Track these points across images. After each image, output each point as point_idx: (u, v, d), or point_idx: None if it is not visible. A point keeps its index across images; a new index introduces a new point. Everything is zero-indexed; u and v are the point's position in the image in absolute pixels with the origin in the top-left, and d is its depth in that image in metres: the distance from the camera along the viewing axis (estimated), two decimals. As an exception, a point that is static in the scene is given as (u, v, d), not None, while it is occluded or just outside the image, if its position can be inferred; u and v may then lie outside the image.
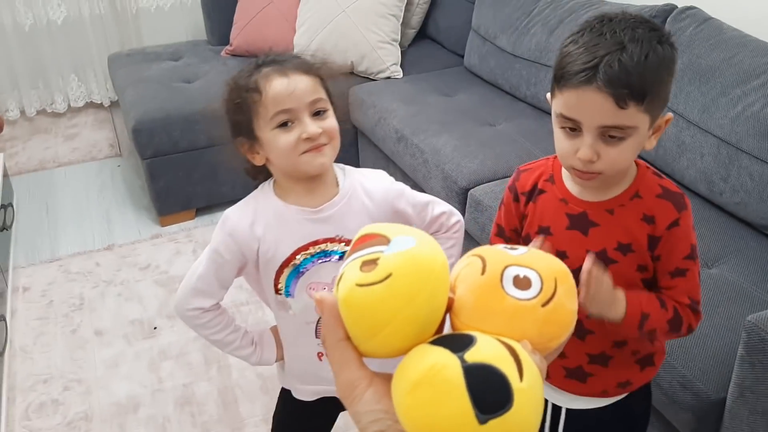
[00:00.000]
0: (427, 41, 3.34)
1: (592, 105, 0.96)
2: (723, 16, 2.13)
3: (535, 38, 2.61)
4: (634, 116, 0.97)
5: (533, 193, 1.18)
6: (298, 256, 1.22)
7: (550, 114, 2.80)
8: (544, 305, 0.50)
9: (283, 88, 1.13)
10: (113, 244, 2.79)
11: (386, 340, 0.49)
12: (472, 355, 0.45)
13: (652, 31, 0.97)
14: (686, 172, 2.03)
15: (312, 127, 1.14)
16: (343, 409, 1.42)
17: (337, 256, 1.23)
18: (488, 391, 0.44)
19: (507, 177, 2.22)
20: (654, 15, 2.22)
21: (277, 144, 1.14)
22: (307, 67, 1.17)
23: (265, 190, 1.25)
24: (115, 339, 2.29)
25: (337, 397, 0.52)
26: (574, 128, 1.01)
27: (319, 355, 1.31)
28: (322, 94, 1.18)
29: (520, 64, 2.69)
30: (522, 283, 0.51)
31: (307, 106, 1.14)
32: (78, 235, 2.87)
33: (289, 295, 1.25)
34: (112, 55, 3.35)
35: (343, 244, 1.23)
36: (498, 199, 2.12)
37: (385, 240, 0.51)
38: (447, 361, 0.45)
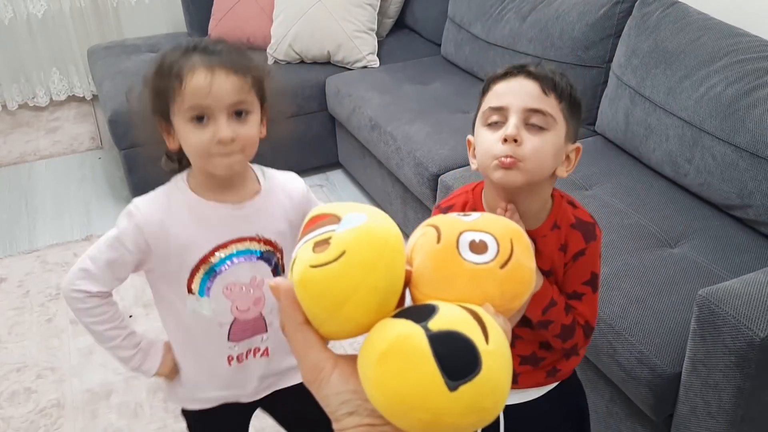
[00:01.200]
0: (404, 31, 3.35)
1: (519, 88, 1.05)
2: (689, 0, 2.14)
3: (508, 25, 2.62)
4: (555, 109, 1.04)
5: None
6: (215, 255, 1.18)
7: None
8: (502, 266, 0.50)
9: (204, 83, 1.07)
10: (92, 235, 2.79)
11: (348, 317, 0.48)
12: (436, 323, 0.45)
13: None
14: (653, 155, 2.04)
15: (225, 130, 1.08)
16: (250, 413, 1.40)
17: (256, 256, 1.21)
18: (455, 357, 0.44)
19: (478, 162, 2.24)
20: (621, 0, 2.24)
21: (188, 139, 1.10)
22: (238, 65, 1.10)
23: (179, 184, 1.20)
24: (91, 328, 2.30)
25: (305, 383, 0.51)
26: (498, 121, 1.06)
27: (229, 359, 1.26)
28: (248, 96, 1.11)
29: (494, 51, 2.70)
30: (478, 247, 0.51)
31: (227, 106, 1.09)
32: (57, 227, 2.87)
33: (204, 295, 1.20)
34: (92, 48, 3.35)
35: (262, 243, 1.21)
36: (469, 182, 2.13)
37: (335, 219, 0.50)
38: (411, 331, 0.45)
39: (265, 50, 3.04)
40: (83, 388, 2.07)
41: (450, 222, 0.53)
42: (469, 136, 1.15)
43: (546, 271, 1.13)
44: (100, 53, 3.22)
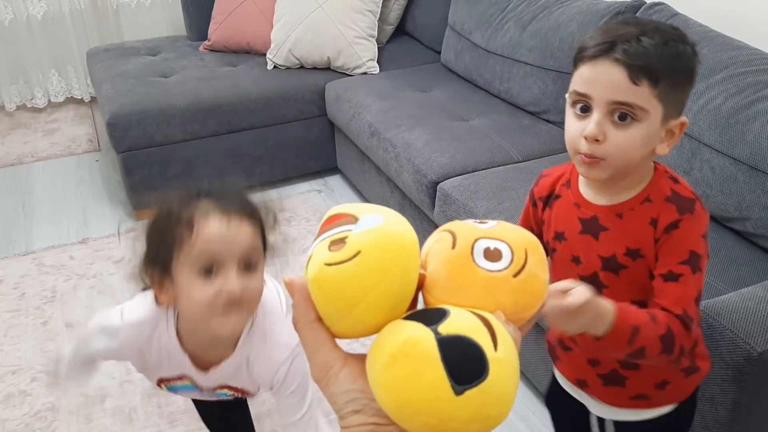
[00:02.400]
0: (405, 37, 3.35)
1: (605, 77, 0.97)
2: (690, 12, 2.15)
3: (508, 34, 2.63)
4: (647, 98, 0.96)
5: (550, 198, 1.17)
6: (171, 382, 1.25)
7: (522, 109, 2.79)
8: (515, 275, 0.50)
9: (220, 231, 1.00)
10: (88, 237, 2.79)
11: (360, 317, 0.48)
12: (446, 328, 0.45)
13: (676, 30, 1.00)
14: (652, 166, 2.04)
15: (235, 284, 1.01)
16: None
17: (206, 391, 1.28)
18: (463, 361, 0.44)
19: (476, 171, 2.24)
20: (623, 10, 2.24)
21: (191, 294, 1.02)
22: (251, 209, 1.05)
23: (170, 321, 1.16)
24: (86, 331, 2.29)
25: (313, 380, 0.52)
26: (585, 108, 1.00)
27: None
28: (259, 243, 1.05)
29: (494, 59, 2.70)
30: (493, 255, 0.51)
31: (240, 256, 1.02)
32: (53, 229, 2.87)
33: (173, 392, 1.31)
34: (91, 50, 3.35)
35: (216, 389, 1.27)
36: (466, 192, 2.14)
37: (353, 219, 0.50)
38: (421, 334, 0.45)
39: (265, 55, 3.04)
40: (78, 392, 2.06)
41: (466, 229, 0.53)
42: (567, 94, 1.07)
43: (634, 249, 1.06)
44: (99, 55, 3.22)
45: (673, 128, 1.02)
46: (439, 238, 0.53)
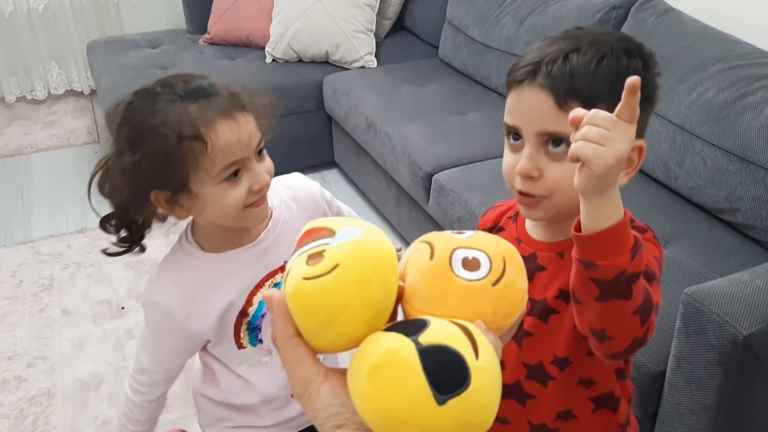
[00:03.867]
0: (403, 32, 3.37)
1: (530, 105, 0.85)
2: (684, 7, 2.17)
3: (506, 29, 2.65)
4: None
5: (492, 230, 1.05)
6: (252, 303, 1.09)
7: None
8: (494, 284, 0.50)
9: (233, 136, 0.95)
10: (86, 227, 2.80)
11: (341, 330, 0.48)
12: (426, 338, 0.45)
13: (624, 41, 0.87)
14: (644, 159, 2.06)
15: (264, 176, 0.99)
16: None
17: None
18: (445, 371, 0.44)
19: (471, 163, 2.26)
20: (618, 5, 2.26)
21: (223, 201, 0.98)
22: (238, 100, 0.98)
23: (186, 248, 1.08)
24: (83, 319, 2.31)
25: (293, 395, 0.51)
26: (517, 137, 0.88)
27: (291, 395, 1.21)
28: (260, 131, 1.02)
29: (491, 54, 2.72)
30: (471, 264, 0.51)
31: (254, 150, 0.99)
32: (52, 219, 2.88)
33: (257, 343, 1.14)
34: (91, 42, 3.37)
35: None
36: (461, 184, 2.15)
37: (330, 233, 0.50)
38: (401, 344, 0.45)
39: (264, 48, 3.06)
40: (74, 378, 2.08)
41: (443, 239, 0.53)
42: None
43: (566, 291, 0.93)
44: (99, 48, 3.24)
45: (631, 155, 0.85)
46: (417, 249, 0.53)
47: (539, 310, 0.94)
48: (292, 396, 0.52)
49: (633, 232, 0.78)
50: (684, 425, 1.41)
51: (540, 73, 0.84)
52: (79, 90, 3.86)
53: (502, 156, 2.40)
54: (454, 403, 0.43)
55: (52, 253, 2.65)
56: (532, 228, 0.99)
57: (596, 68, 0.83)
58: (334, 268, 0.47)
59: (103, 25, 3.73)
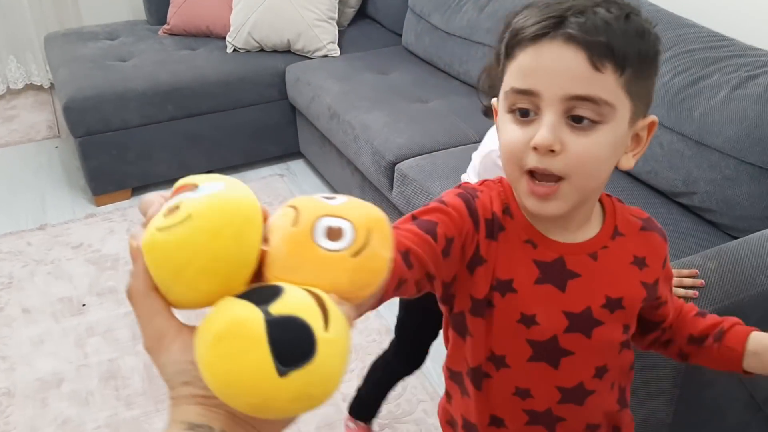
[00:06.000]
0: (366, 21, 3.35)
1: (556, 63, 0.71)
2: (642, -8, 2.17)
3: (466, 16, 2.64)
4: (613, 90, 0.71)
5: (493, 226, 0.83)
6: None
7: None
8: (354, 255, 0.49)
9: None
10: (46, 224, 2.75)
11: (189, 284, 0.48)
12: (277, 307, 0.45)
13: (630, 5, 0.76)
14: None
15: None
16: None
17: None
18: (290, 343, 0.44)
19: (434, 152, 2.26)
20: (576, -9, 2.26)
21: None
22: None
23: None
24: (43, 316, 2.27)
25: (144, 349, 0.51)
26: (527, 111, 0.74)
27: None
28: None
29: (452, 41, 2.71)
30: (335, 233, 0.50)
31: None
32: (11, 216, 2.82)
33: None
34: (49, 35, 3.29)
35: None
36: (423, 172, 2.14)
37: (193, 187, 0.50)
38: (248, 315, 0.45)
39: (225, 38, 3.02)
40: (34, 377, 2.05)
41: (311, 205, 0.51)
42: (494, 101, 0.83)
43: (616, 299, 0.83)
44: (57, 40, 3.17)
45: (640, 131, 0.78)
46: (282, 213, 0.52)
47: (581, 324, 0.83)
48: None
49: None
50: (642, 409, 1.43)
51: (568, 24, 0.70)
52: (39, 84, 3.79)
53: (464, 144, 2.37)
54: (296, 375, 0.43)
55: (11, 250, 2.60)
56: (542, 226, 0.82)
57: (626, 25, 0.72)
58: (185, 219, 0.46)
59: (61, 16, 3.66)
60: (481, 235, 0.81)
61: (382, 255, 0.51)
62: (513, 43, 0.74)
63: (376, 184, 2.39)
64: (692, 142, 1.79)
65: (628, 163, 0.79)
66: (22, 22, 3.60)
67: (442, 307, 0.91)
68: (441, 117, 2.45)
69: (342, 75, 2.78)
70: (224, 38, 3.03)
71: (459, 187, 0.86)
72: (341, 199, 0.52)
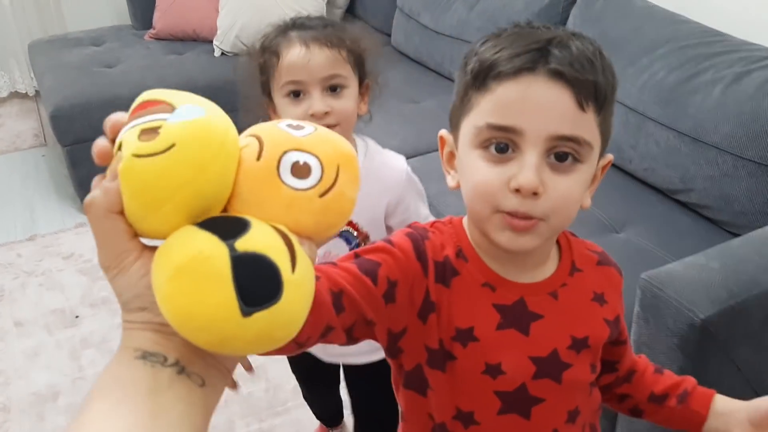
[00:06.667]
0: (354, 21, 3.33)
1: (541, 101, 0.67)
2: (633, -12, 2.17)
3: (456, 14, 2.62)
4: (592, 129, 0.68)
5: (445, 270, 0.77)
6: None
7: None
8: (322, 195, 0.47)
9: (299, 58, 1.09)
10: (36, 234, 2.72)
11: (167, 217, 0.45)
12: (244, 244, 0.43)
13: (592, 39, 0.73)
14: (599, 142, 2.07)
15: (318, 104, 1.10)
16: (335, 377, 1.51)
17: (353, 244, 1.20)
18: (257, 282, 0.42)
19: (428, 153, 2.24)
20: (567, -12, 2.26)
21: (284, 114, 1.12)
22: (332, 38, 1.11)
23: None
24: (36, 329, 2.24)
25: (100, 267, 0.48)
26: (504, 147, 0.69)
27: None
28: (343, 70, 1.12)
29: (442, 40, 2.70)
30: (301, 170, 0.47)
31: (321, 81, 1.10)
32: (0, 227, 2.79)
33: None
34: (33, 42, 3.25)
35: (350, 228, 1.21)
36: (417, 174, 2.12)
37: (169, 107, 0.45)
38: (214, 250, 0.42)
39: (212, 42, 2.99)
40: (29, 391, 2.02)
41: (276, 136, 0.48)
42: (443, 132, 0.81)
43: (581, 339, 0.79)
44: (41, 47, 3.13)
45: (596, 170, 0.75)
46: (246, 144, 0.48)
47: (549, 368, 0.78)
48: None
49: None
50: (646, 409, 1.42)
51: (551, 60, 0.66)
52: (24, 92, 3.72)
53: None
54: (260, 316, 0.42)
55: (1, 263, 2.56)
56: (498, 266, 0.78)
57: (602, 62, 0.69)
58: (169, 148, 0.43)
59: (44, 23, 3.60)
60: (430, 279, 0.76)
61: (348, 195, 0.49)
62: (487, 74, 0.69)
63: (370, 187, 2.37)
64: (689, 139, 1.79)
65: (586, 201, 0.76)
66: (5, 29, 3.54)
67: (390, 362, 0.84)
68: (434, 117, 2.44)
69: (332, 77, 2.76)
70: (211, 42, 3.00)
71: (409, 226, 0.81)
72: (308, 129, 0.49)
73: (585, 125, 0.68)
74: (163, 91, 0.47)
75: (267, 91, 1.17)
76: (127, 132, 0.45)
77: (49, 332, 2.23)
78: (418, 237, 0.78)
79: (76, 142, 2.66)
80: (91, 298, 2.36)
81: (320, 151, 0.48)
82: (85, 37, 3.19)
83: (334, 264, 0.73)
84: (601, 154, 0.74)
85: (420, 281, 0.76)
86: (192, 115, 0.45)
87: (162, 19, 3.09)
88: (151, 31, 3.14)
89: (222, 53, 2.97)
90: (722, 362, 1.33)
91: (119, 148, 0.45)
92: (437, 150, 2.41)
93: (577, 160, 0.69)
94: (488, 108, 0.69)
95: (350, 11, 3.31)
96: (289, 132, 0.48)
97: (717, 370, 1.34)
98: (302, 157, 0.47)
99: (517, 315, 0.77)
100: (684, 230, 1.78)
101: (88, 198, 0.47)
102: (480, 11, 2.52)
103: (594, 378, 0.84)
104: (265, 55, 1.14)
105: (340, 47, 1.11)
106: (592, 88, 0.67)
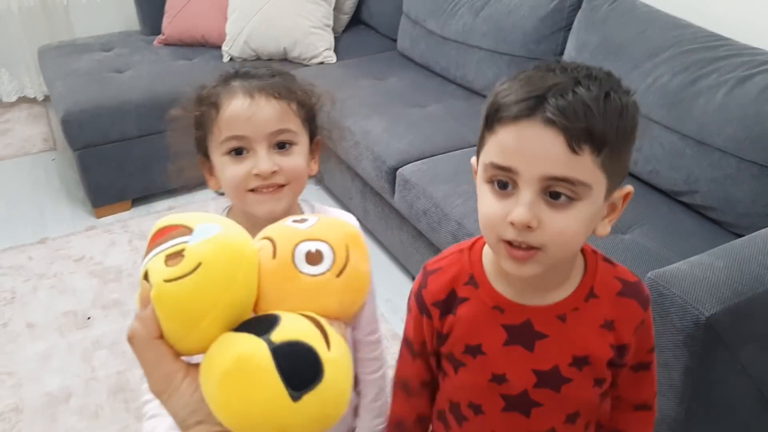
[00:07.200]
0: (361, 27, 3.37)
1: (535, 145, 0.73)
2: (636, -7, 2.20)
3: (462, 20, 2.65)
4: (589, 170, 0.73)
5: (451, 302, 0.91)
6: None
7: (478, 94, 2.80)
8: (338, 275, 0.50)
9: (242, 110, 0.95)
10: (47, 237, 2.75)
11: (205, 332, 0.47)
12: (279, 335, 0.45)
13: (610, 77, 0.79)
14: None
15: (265, 162, 0.95)
16: None
17: None
18: (298, 367, 0.44)
19: (435, 156, 2.27)
20: (571, -7, 2.29)
21: (224, 174, 0.98)
22: (281, 89, 0.97)
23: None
24: (48, 331, 2.27)
25: (152, 393, 0.50)
26: (506, 183, 0.76)
27: None
28: (292, 125, 0.98)
29: (448, 46, 2.73)
30: (314, 257, 0.50)
31: (267, 136, 0.96)
32: (10, 231, 2.81)
33: None
34: (42, 47, 3.29)
35: None
36: (425, 177, 2.16)
37: (187, 230, 0.48)
38: (253, 347, 0.44)
39: (221, 48, 3.03)
40: (42, 392, 2.04)
41: (285, 233, 0.51)
42: (473, 159, 0.86)
43: (582, 357, 0.87)
44: (51, 53, 3.16)
45: (616, 200, 0.81)
46: (260, 247, 0.51)
47: (550, 380, 0.87)
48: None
49: None
50: (653, 406, 1.44)
51: (547, 106, 0.72)
52: (32, 96, 3.78)
53: (464, 147, 2.39)
54: (309, 397, 0.44)
55: (12, 265, 2.59)
56: (510, 291, 0.87)
57: (605, 105, 0.73)
58: (196, 268, 0.46)
59: (53, 29, 3.65)
60: (435, 320, 0.92)
61: (363, 270, 0.52)
62: (494, 118, 0.77)
63: (378, 190, 2.40)
64: (693, 142, 1.81)
65: (604, 229, 0.81)
66: (13, 35, 3.59)
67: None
68: (440, 121, 2.47)
69: (339, 81, 2.79)
70: (220, 47, 3.03)
71: (424, 268, 0.95)
72: (312, 221, 0.53)
73: (580, 167, 0.73)
74: (176, 215, 0.50)
75: (203, 149, 1.01)
76: (151, 260, 0.48)
77: (61, 334, 2.26)
78: (418, 293, 0.94)
79: (87, 146, 2.70)
80: (102, 300, 2.39)
81: (328, 236, 0.51)
82: (95, 43, 3.22)
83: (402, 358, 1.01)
84: (615, 188, 0.79)
85: (429, 327, 0.93)
86: (210, 233, 0.47)
87: (171, 25, 3.12)
88: (160, 36, 3.18)
89: (231, 59, 3.00)
90: (727, 360, 1.35)
91: (145, 277, 0.48)
92: (443, 153, 2.45)
93: (572, 198, 0.74)
94: (493, 148, 0.77)
95: (356, 17, 3.34)
96: (296, 226, 0.52)
97: (722, 368, 1.36)
98: (313, 246, 0.50)
99: (523, 333, 0.88)
100: (688, 231, 1.80)
101: (130, 331, 0.50)
102: (485, 17, 2.55)
103: (600, 391, 0.91)
104: (202, 106, 0.98)
105: (290, 99, 0.97)
106: (585, 133, 0.71)
